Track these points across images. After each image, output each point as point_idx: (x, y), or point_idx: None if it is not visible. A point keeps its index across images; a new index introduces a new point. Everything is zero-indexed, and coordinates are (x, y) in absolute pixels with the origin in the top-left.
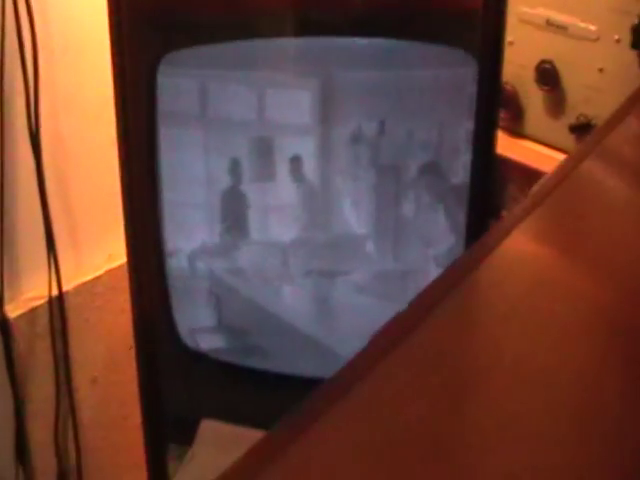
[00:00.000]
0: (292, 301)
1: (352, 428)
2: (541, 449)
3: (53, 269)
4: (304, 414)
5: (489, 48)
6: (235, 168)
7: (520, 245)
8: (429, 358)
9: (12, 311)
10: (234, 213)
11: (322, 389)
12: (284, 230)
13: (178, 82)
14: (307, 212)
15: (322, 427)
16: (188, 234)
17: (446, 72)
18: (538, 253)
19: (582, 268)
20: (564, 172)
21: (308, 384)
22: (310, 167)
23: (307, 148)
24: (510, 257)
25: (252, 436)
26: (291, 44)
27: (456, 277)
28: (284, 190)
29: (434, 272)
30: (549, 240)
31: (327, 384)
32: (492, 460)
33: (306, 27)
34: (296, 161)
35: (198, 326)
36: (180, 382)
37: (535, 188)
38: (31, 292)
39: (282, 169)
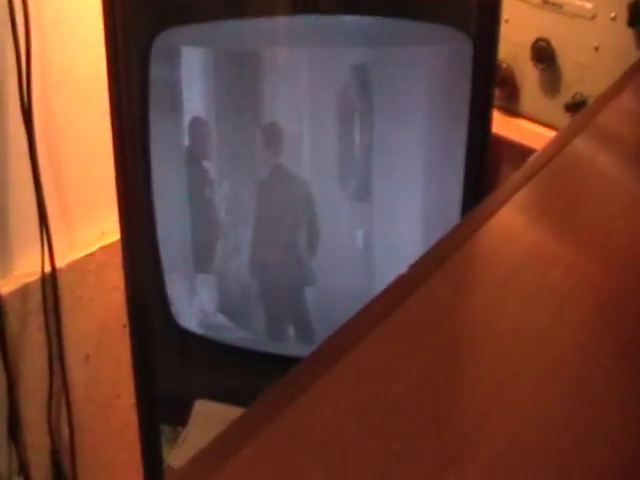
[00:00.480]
0: (288, 279)
1: (345, 396)
2: (540, 410)
3: (46, 246)
4: (294, 383)
5: (485, 27)
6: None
7: (515, 216)
8: (425, 324)
9: (4, 287)
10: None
11: (313, 356)
12: (281, 210)
13: (171, 60)
14: (296, 192)
15: (314, 395)
16: (181, 211)
17: (441, 50)
18: (532, 224)
19: (574, 239)
20: (557, 147)
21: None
22: (298, 146)
23: (297, 128)
24: (505, 227)
25: None
26: (282, 22)
27: (452, 245)
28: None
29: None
30: (543, 212)
31: (318, 351)
32: (491, 423)
33: (297, 6)
34: (281, 141)
35: (192, 304)
36: (174, 361)
37: (528, 162)
38: (23, 269)
39: (271, 148)
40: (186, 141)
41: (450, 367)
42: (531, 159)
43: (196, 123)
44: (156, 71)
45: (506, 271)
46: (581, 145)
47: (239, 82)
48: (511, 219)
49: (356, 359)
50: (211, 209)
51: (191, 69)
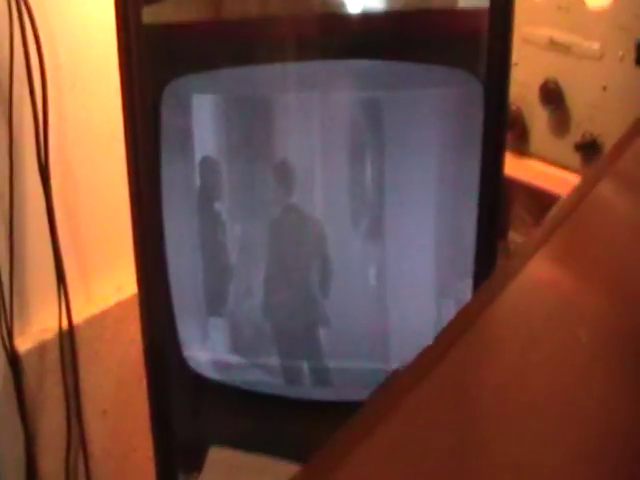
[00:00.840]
0: (301, 319)
1: (380, 466)
2: (572, 472)
3: (63, 302)
4: (329, 455)
5: (495, 70)
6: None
7: (539, 273)
8: (453, 392)
9: (22, 345)
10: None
11: (347, 428)
12: (293, 249)
13: (181, 108)
14: (308, 231)
15: (349, 467)
16: (194, 255)
17: (452, 93)
18: (557, 280)
19: (601, 292)
20: (578, 197)
21: (314, 408)
22: (310, 186)
23: (310, 168)
24: (529, 285)
25: (260, 462)
26: (293, 68)
27: (477, 309)
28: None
29: (444, 292)
30: (567, 266)
31: (349, 425)
32: None
33: (307, 51)
34: (293, 180)
35: (206, 348)
36: (190, 409)
37: (550, 214)
38: (41, 325)
39: (283, 187)
40: (198, 184)
41: (481, 436)
42: (553, 210)
43: (207, 166)
44: (167, 118)
45: (532, 332)
46: (604, 192)
47: (250, 125)
48: (536, 276)
49: (388, 432)
50: (223, 251)
51: (202, 114)
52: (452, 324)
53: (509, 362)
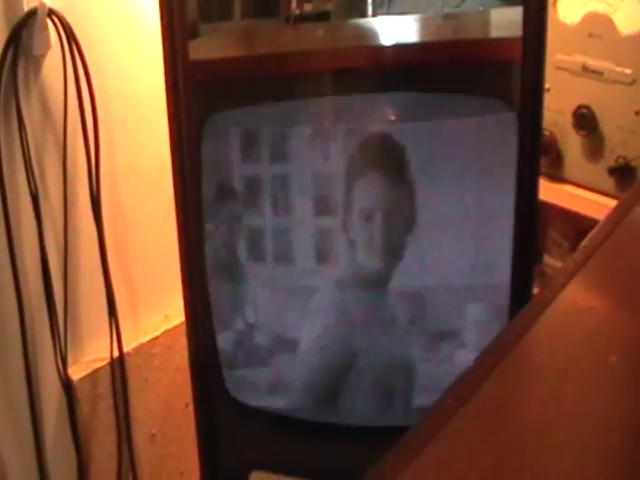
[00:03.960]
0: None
1: None
2: None
3: (114, 332)
4: (378, 477)
5: (528, 98)
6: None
7: (575, 299)
8: (493, 416)
9: (75, 373)
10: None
11: (393, 452)
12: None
13: (221, 141)
14: (355, 263)
15: None
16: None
17: (486, 122)
18: (593, 305)
19: (634, 317)
20: (612, 223)
21: (353, 433)
22: (340, 219)
23: (346, 197)
24: (565, 311)
25: None
26: (329, 101)
27: (514, 336)
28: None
29: (481, 316)
30: (600, 293)
31: (397, 446)
32: None
33: (343, 84)
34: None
35: (252, 382)
36: (234, 435)
37: (586, 239)
38: (93, 355)
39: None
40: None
41: (519, 457)
42: (588, 237)
43: (248, 198)
44: (208, 151)
45: (566, 359)
46: (638, 217)
47: (286, 157)
48: (570, 304)
49: (433, 452)
50: (267, 282)
51: (240, 146)
52: (490, 351)
53: (545, 388)
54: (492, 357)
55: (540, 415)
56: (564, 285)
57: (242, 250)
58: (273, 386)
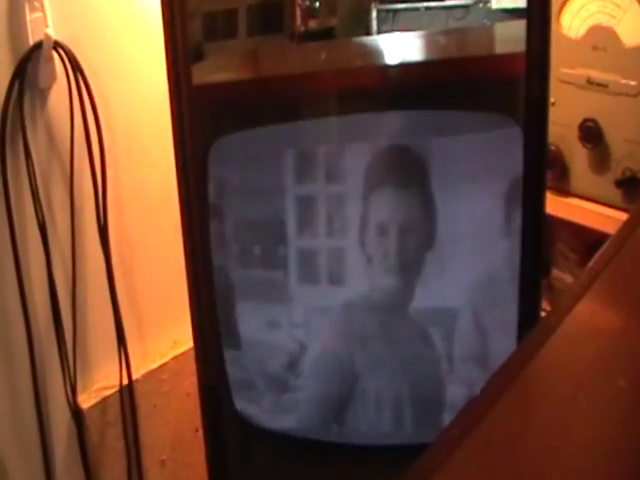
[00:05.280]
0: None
1: None
2: None
3: (123, 359)
4: None
5: (533, 112)
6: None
7: (581, 323)
8: (500, 444)
9: (85, 402)
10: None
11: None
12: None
13: (228, 165)
14: (364, 277)
15: None
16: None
17: (492, 137)
18: (599, 329)
19: None
20: (619, 242)
21: (366, 453)
22: (356, 237)
23: (355, 219)
24: (571, 336)
25: None
26: (336, 122)
27: (520, 362)
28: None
29: (489, 332)
30: (609, 314)
31: (407, 475)
32: None
33: (349, 104)
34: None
35: (260, 405)
36: (245, 458)
37: (592, 261)
38: (102, 382)
39: (334, 238)
40: (246, 241)
41: None
42: (596, 256)
43: (256, 223)
44: (215, 174)
45: (572, 385)
46: None
47: (295, 178)
48: (576, 328)
49: None
50: (274, 305)
51: (247, 169)
52: (495, 379)
53: (552, 416)
54: (498, 385)
55: (546, 443)
56: (570, 309)
57: (258, 272)
58: (284, 407)
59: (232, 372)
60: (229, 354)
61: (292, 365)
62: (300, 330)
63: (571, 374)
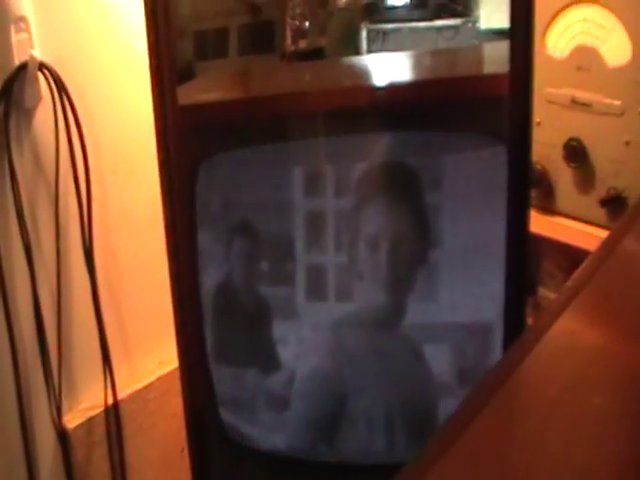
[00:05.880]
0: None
1: None
2: None
3: (109, 379)
4: None
5: (517, 132)
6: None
7: (558, 341)
8: (478, 460)
9: (70, 422)
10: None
11: None
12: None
13: (216, 185)
14: (355, 293)
15: None
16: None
17: (476, 157)
18: (577, 346)
19: (626, 354)
20: (598, 261)
21: (352, 472)
22: (346, 254)
23: (345, 235)
24: (549, 354)
25: None
26: (322, 143)
27: (498, 379)
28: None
29: (475, 349)
30: (587, 332)
31: None
32: None
33: (336, 125)
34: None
35: (248, 424)
36: (230, 478)
37: (571, 279)
38: (88, 402)
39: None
40: (235, 260)
41: None
42: (577, 272)
43: (243, 242)
44: (203, 195)
45: (549, 402)
46: (629, 247)
47: (283, 197)
48: (554, 345)
49: None
50: (259, 324)
51: (236, 189)
52: (474, 396)
53: (528, 432)
54: (476, 402)
55: (523, 459)
56: (548, 327)
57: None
58: (272, 427)
59: (224, 391)
60: (226, 372)
61: (285, 383)
62: (291, 348)
63: (548, 391)
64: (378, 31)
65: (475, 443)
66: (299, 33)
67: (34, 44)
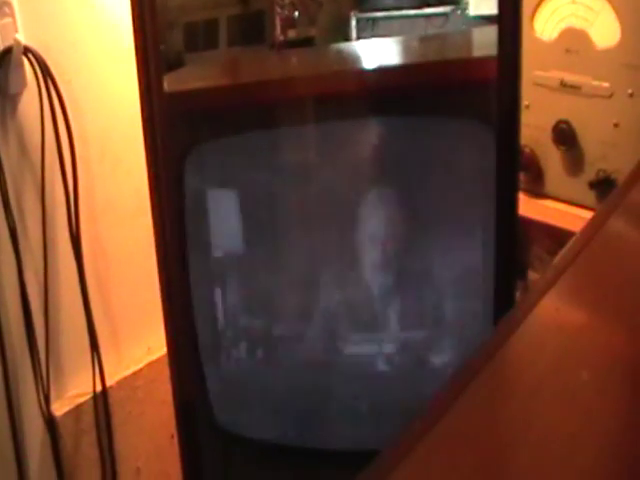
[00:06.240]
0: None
1: None
2: None
3: (97, 367)
4: None
5: (505, 116)
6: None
7: (545, 318)
8: (462, 438)
9: (58, 409)
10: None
11: (362, 476)
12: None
13: (205, 173)
14: (340, 286)
15: None
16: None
17: (465, 141)
18: (563, 323)
19: (611, 331)
20: (585, 239)
21: (342, 459)
22: (330, 243)
23: (331, 226)
24: (536, 331)
25: None
26: (311, 130)
27: (485, 357)
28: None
29: (465, 334)
30: (574, 309)
31: (366, 470)
32: None
33: (325, 111)
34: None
35: (237, 410)
36: (220, 466)
37: (557, 257)
38: (76, 390)
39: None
40: (222, 248)
41: (490, 477)
42: (564, 249)
43: (231, 230)
44: (191, 183)
45: (536, 377)
46: (615, 226)
47: (272, 185)
48: (541, 322)
49: (401, 476)
50: (247, 312)
51: (225, 177)
52: (460, 372)
53: (515, 407)
54: (462, 379)
55: (510, 434)
56: (535, 304)
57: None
58: (260, 413)
59: (213, 378)
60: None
61: (275, 371)
62: (283, 335)
63: (535, 368)
64: (367, 19)
65: (460, 421)
66: (288, 23)
67: (18, 28)
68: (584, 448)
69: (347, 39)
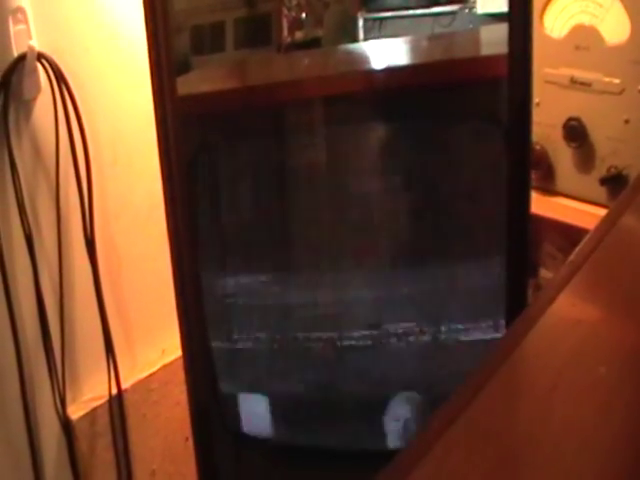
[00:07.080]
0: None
1: None
2: None
3: (112, 369)
4: None
5: (517, 113)
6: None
7: (562, 313)
8: (481, 435)
9: (74, 413)
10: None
11: (383, 474)
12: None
13: (217, 174)
14: (348, 281)
15: None
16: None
17: (476, 139)
18: (580, 318)
19: (627, 326)
20: (600, 234)
21: (357, 459)
22: (342, 243)
23: (341, 224)
24: (553, 326)
25: None
26: (321, 131)
27: (502, 354)
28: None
29: (477, 333)
30: (590, 304)
31: (388, 468)
32: None
33: (336, 113)
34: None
35: (251, 413)
36: (234, 467)
37: (573, 253)
38: (91, 393)
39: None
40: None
41: (508, 473)
42: (578, 247)
43: (242, 229)
44: (202, 184)
45: (554, 373)
46: (628, 223)
47: (280, 187)
48: (558, 317)
49: (421, 474)
50: (260, 310)
51: (234, 179)
52: (477, 370)
53: (533, 403)
54: (480, 376)
55: (528, 431)
56: (551, 300)
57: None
58: (273, 415)
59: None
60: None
61: (287, 370)
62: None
63: (552, 363)
64: (374, 20)
65: (479, 419)
66: (295, 24)
67: (32, 35)
68: (602, 443)
69: (354, 40)
